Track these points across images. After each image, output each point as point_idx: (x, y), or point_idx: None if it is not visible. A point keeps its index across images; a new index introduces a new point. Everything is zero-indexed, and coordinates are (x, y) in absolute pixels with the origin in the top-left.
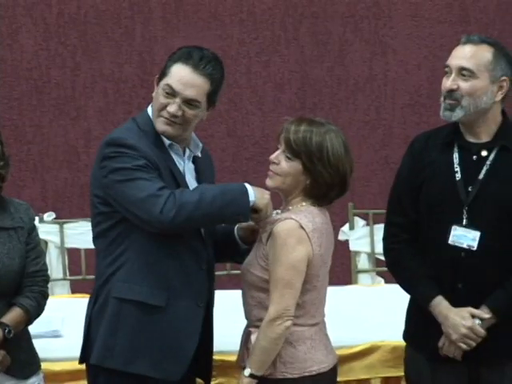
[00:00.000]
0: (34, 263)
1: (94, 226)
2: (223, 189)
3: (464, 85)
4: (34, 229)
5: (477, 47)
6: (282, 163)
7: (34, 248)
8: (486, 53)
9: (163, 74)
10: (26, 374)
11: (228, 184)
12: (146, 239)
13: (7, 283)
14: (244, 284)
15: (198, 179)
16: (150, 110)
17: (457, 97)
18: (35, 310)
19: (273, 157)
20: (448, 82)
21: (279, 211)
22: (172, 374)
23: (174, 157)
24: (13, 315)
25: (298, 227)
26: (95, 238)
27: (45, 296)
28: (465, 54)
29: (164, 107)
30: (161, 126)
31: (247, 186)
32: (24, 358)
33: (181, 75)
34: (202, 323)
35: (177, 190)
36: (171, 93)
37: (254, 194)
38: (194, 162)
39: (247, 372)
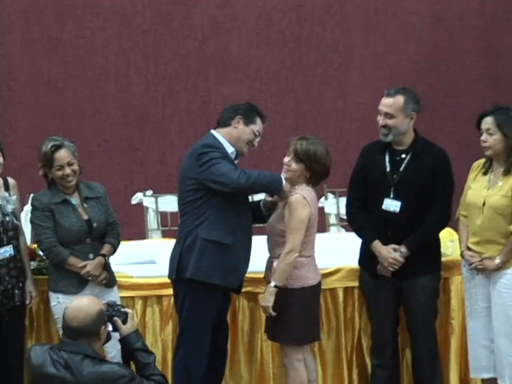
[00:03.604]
0: (111, 217)
1: (184, 197)
2: (271, 173)
3: (389, 122)
4: (106, 197)
5: (394, 98)
6: (293, 165)
7: (109, 208)
8: (399, 101)
9: (251, 120)
10: (111, 284)
11: (273, 172)
12: (221, 204)
13: (102, 230)
14: (270, 233)
15: None
16: (214, 132)
17: (387, 127)
18: (117, 245)
19: (286, 161)
20: (380, 121)
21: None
22: (232, 284)
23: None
24: (106, 249)
25: (302, 198)
26: (184, 204)
27: (120, 236)
28: (387, 104)
29: (251, 141)
30: (246, 150)
31: (282, 176)
32: (110, 274)
33: (261, 127)
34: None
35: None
36: (258, 135)
37: (283, 181)
38: None
39: (272, 284)
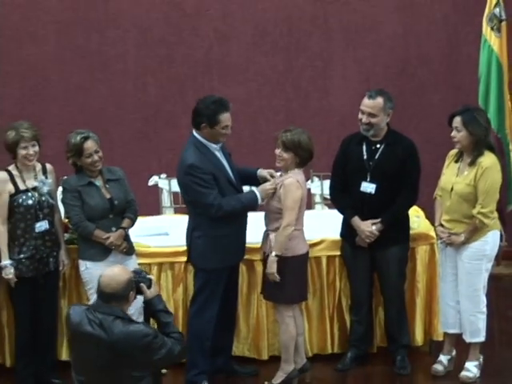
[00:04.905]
0: (129, 195)
1: (186, 201)
2: (245, 198)
3: (372, 120)
4: (125, 179)
5: (375, 100)
6: (283, 155)
7: (127, 188)
8: (380, 102)
9: (214, 122)
10: (131, 253)
11: (248, 195)
12: None
13: (122, 207)
14: (267, 210)
15: (227, 160)
16: (197, 135)
17: (370, 124)
18: (135, 219)
19: (277, 152)
20: (364, 119)
21: (282, 173)
22: (233, 263)
23: (216, 153)
24: (126, 222)
25: (296, 181)
26: (187, 205)
27: (137, 212)
28: (370, 106)
29: (225, 134)
30: (223, 139)
31: (258, 194)
32: (130, 244)
33: (228, 118)
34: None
35: (223, 199)
36: (227, 127)
37: (260, 196)
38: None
39: (274, 253)
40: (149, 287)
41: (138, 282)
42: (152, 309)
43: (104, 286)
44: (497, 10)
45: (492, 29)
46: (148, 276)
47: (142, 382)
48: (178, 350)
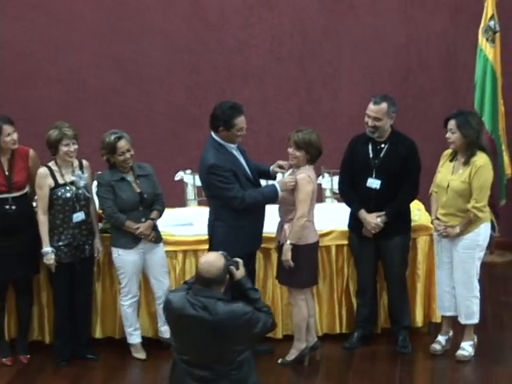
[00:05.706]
0: (157, 189)
1: (207, 197)
2: (266, 193)
3: (377, 123)
4: (154, 174)
5: (379, 106)
6: (296, 153)
7: (156, 183)
8: (384, 107)
9: (231, 125)
10: (158, 241)
11: (269, 188)
12: None
13: (151, 200)
14: (281, 203)
15: (244, 157)
16: (215, 137)
17: (375, 127)
18: (162, 211)
19: (290, 151)
20: (369, 122)
21: (295, 170)
22: (252, 250)
23: (234, 152)
24: (154, 214)
25: (307, 176)
26: (208, 199)
27: (164, 204)
28: (375, 111)
29: (240, 136)
30: (239, 140)
31: (277, 187)
32: (157, 233)
33: (243, 120)
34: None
35: (246, 192)
36: (242, 129)
37: (279, 189)
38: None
39: (289, 242)
40: (237, 269)
41: (227, 265)
42: (242, 288)
43: (204, 272)
44: (492, 23)
45: (487, 40)
46: (235, 259)
47: (243, 355)
48: (271, 322)
